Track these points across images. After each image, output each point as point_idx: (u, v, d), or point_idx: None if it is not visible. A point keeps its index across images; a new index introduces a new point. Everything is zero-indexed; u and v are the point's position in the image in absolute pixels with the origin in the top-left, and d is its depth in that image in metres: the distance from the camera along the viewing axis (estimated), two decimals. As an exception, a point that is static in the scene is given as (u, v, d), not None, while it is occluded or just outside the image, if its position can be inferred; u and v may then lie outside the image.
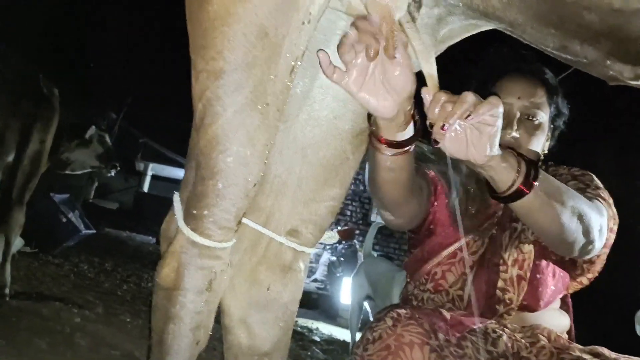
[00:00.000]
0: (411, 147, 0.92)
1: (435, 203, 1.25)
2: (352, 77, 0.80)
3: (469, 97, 0.76)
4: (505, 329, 1.06)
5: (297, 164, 1.01)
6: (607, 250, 1.14)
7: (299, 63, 0.82)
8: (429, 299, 1.21)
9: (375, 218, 7.86)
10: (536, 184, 0.87)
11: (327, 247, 7.20)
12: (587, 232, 0.96)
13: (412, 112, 0.87)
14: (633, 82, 0.71)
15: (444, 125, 0.77)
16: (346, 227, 7.32)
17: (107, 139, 4.14)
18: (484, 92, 1.22)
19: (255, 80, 0.77)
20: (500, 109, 0.77)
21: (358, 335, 3.48)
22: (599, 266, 1.17)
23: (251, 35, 0.75)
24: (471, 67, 1.38)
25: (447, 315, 1.03)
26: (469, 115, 0.76)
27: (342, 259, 6.39)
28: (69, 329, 2.50)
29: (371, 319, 2.16)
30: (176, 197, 0.89)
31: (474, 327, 1.01)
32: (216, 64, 0.76)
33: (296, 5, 0.75)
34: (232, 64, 0.75)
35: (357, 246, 6.47)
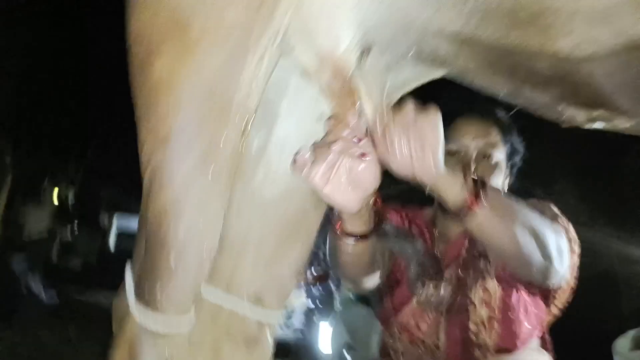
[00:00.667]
0: (371, 236, 0.91)
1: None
2: (319, 172, 0.77)
3: (409, 106, 0.78)
4: None
5: (256, 223, 0.97)
6: (574, 276, 1.14)
7: (250, 122, 0.79)
8: (406, 352, 1.17)
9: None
10: (487, 199, 0.87)
11: (303, 292, 7.04)
12: (544, 251, 0.96)
13: (375, 203, 0.86)
14: (586, 125, 0.71)
15: (387, 136, 0.77)
16: (321, 271, 7.20)
17: (65, 191, 3.98)
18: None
19: (204, 143, 0.73)
20: (439, 121, 0.77)
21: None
22: (568, 293, 1.17)
23: (197, 98, 0.72)
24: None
25: None
26: (409, 128, 0.76)
27: (319, 304, 6.23)
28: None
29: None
30: (128, 271, 0.83)
31: None
32: (161, 129, 0.72)
33: (242, 64, 0.73)
34: (178, 128, 0.72)
35: (333, 289, 6.34)
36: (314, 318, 6.06)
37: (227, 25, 0.71)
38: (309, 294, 6.69)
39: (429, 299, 1.18)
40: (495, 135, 1.21)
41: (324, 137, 0.80)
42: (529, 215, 0.97)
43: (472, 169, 1.16)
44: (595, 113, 0.67)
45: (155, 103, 0.73)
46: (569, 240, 1.10)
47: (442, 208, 0.93)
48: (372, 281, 1.18)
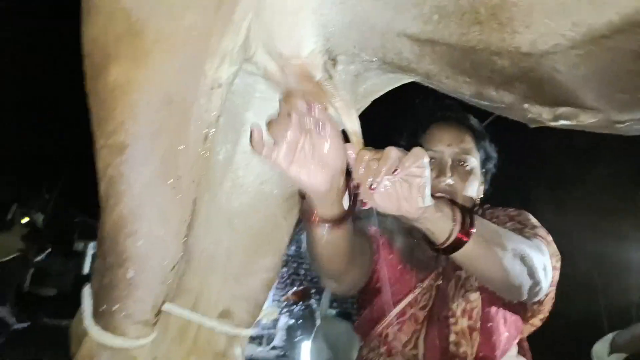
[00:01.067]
0: (347, 221, 0.88)
1: (379, 260, 1.21)
2: (281, 152, 0.75)
3: (393, 151, 0.73)
4: None
5: (225, 234, 0.94)
6: (554, 289, 1.13)
7: (212, 130, 0.77)
8: None
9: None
10: (474, 230, 0.85)
11: (284, 310, 6.95)
12: (532, 273, 0.95)
13: (345, 186, 0.83)
14: (553, 123, 0.71)
15: (371, 185, 0.73)
16: (301, 287, 7.13)
17: (35, 216, 3.86)
18: (415, 141, 1.22)
19: (163, 151, 0.70)
20: (426, 159, 0.74)
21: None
22: (548, 305, 1.16)
23: (154, 103, 0.69)
24: (400, 118, 1.40)
25: None
26: (395, 170, 0.73)
27: (300, 321, 6.15)
28: None
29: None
30: (86, 291, 0.78)
31: None
32: (117, 138, 0.69)
33: (201, 70, 0.70)
34: (134, 136, 0.69)
35: (314, 306, 6.28)
36: (295, 335, 5.98)
37: (183, 29, 0.69)
38: (290, 312, 6.60)
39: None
40: (469, 142, 1.21)
41: (277, 113, 0.77)
42: (513, 239, 0.97)
43: (448, 174, 1.15)
44: (561, 110, 0.66)
45: (111, 110, 0.69)
46: (550, 255, 1.09)
47: (428, 241, 0.90)
48: (352, 279, 1.14)
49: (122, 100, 0.69)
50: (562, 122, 0.69)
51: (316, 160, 0.76)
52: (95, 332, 0.70)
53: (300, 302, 6.45)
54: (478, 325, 1.10)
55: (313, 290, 7.08)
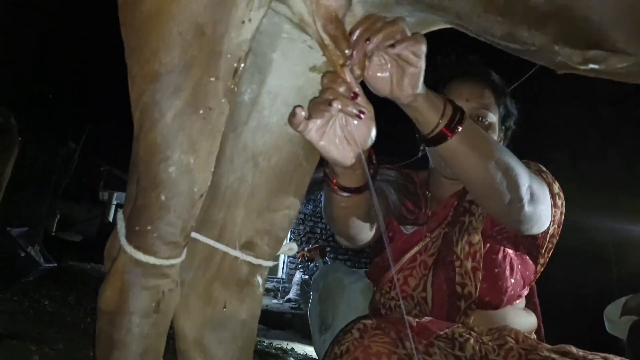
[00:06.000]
0: (365, 191, 0.91)
1: (394, 222, 1.26)
2: (315, 126, 0.79)
3: (400, 22, 0.76)
4: (472, 332, 1.04)
5: (249, 172, 0.97)
6: (557, 228, 1.15)
7: (242, 65, 0.78)
8: (395, 306, 1.19)
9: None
10: (460, 129, 0.88)
11: (300, 266, 7.11)
12: (514, 188, 0.96)
13: (368, 158, 0.86)
14: (582, 67, 0.70)
15: (367, 41, 0.75)
16: (317, 245, 7.26)
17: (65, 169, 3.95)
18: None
19: (194, 82, 0.72)
20: (424, 48, 0.76)
21: None
22: (550, 244, 1.18)
23: (187, 34, 0.71)
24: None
25: (414, 322, 1.00)
26: (392, 45, 0.75)
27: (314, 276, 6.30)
28: (26, 369, 2.33)
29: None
30: (119, 215, 0.83)
31: (441, 332, 0.98)
32: (151, 67, 0.71)
33: (232, 3, 0.72)
34: (168, 66, 0.71)
35: (329, 264, 6.41)
36: (309, 290, 6.15)
37: (217, -40, 0.69)
38: (305, 268, 6.76)
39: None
40: (488, 97, 1.21)
41: (320, 93, 0.80)
42: (504, 153, 0.97)
43: None
44: (591, 53, 0.66)
45: (145, 39, 0.71)
46: (553, 195, 1.11)
47: (415, 129, 0.93)
48: (365, 238, 1.18)
49: (156, 30, 0.71)
50: (591, 66, 0.68)
51: (346, 135, 0.79)
52: (129, 250, 0.74)
53: (316, 261, 6.59)
54: (481, 265, 1.12)
55: (328, 249, 7.21)
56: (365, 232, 1.14)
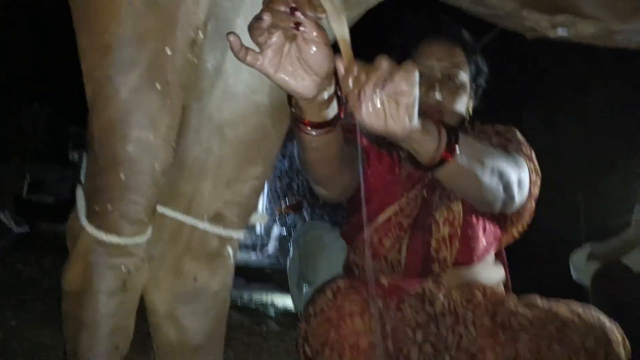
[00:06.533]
0: (336, 126, 0.88)
1: (369, 171, 1.23)
2: (267, 58, 0.72)
3: (384, 63, 0.72)
4: (441, 286, 1.07)
5: (215, 143, 0.94)
6: (532, 202, 1.17)
7: (201, 35, 0.75)
8: (367, 267, 1.20)
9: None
10: (457, 151, 0.87)
11: (278, 222, 7.16)
12: (507, 189, 0.99)
13: (334, 90, 0.82)
14: (550, 33, 0.69)
15: (359, 95, 0.72)
16: (294, 203, 7.30)
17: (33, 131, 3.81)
18: (405, 56, 1.20)
19: (150, 55, 0.69)
20: (416, 76, 0.73)
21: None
22: (527, 218, 1.21)
23: (138, 4, 0.66)
24: (392, 33, 1.36)
25: (385, 281, 1.03)
26: (384, 84, 0.72)
27: (292, 231, 6.37)
28: (2, 334, 2.33)
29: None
30: (79, 191, 0.80)
31: (412, 292, 1.01)
32: (102, 40, 0.67)
33: (187, -32, 0.67)
34: (120, 38, 0.67)
35: (306, 217, 6.48)
36: (287, 245, 6.23)
37: None
38: (283, 223, 6.82)
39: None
40: (459, 55, 1.19)
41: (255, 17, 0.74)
42: (494, 156, 0.99)
43: (437, 89, 1.14)
44: (559, 18, 0.64)
45: (95, 11, 0.67)
46: (530, 170, 1.12)
47: (412, 159, 0.91)
48: (342, 185, 1.15)
49: (106, 1, 0.66)
50: (559, 31, 0.67)
51: (303, 65, 0.74)
52: (91, 230, 0.72)
53: (293, 215, 6.65)
54: (458, 232, 1.14)
55: (305, 204, 7.26)
56: (342, 179, 1.11)
